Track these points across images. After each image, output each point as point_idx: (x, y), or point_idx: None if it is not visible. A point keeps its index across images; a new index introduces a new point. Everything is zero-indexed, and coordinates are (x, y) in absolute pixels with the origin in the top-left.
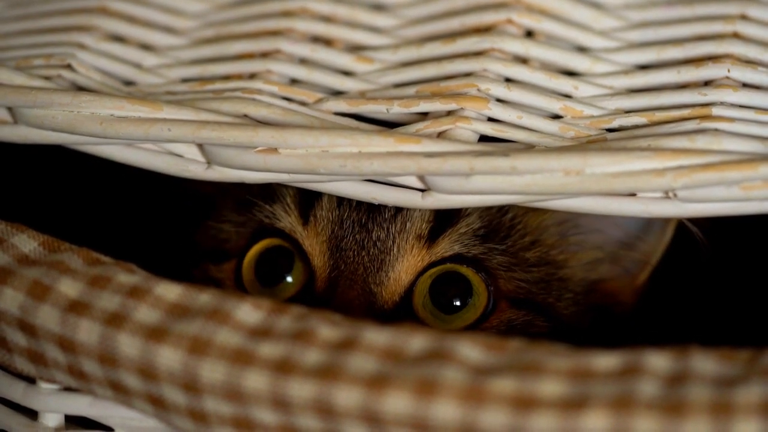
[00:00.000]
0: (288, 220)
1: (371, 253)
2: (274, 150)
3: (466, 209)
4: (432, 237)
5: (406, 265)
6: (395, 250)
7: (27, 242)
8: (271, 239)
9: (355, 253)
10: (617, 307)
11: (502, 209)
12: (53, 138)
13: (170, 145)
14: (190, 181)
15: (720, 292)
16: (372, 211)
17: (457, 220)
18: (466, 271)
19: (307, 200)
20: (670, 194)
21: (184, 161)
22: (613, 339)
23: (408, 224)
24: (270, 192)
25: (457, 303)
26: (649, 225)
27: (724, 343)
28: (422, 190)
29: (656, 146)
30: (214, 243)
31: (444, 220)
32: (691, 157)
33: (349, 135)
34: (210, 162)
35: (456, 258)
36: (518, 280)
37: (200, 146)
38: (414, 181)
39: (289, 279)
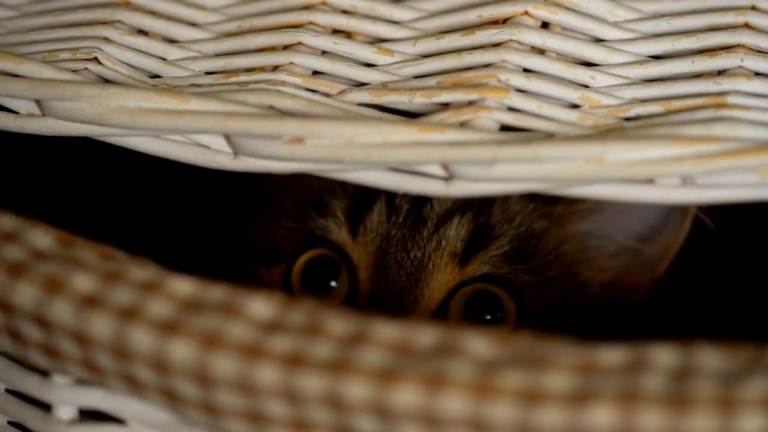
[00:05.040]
0: (338, 233)
1: (408, 272)
2: (300, 140)
3: (498, 233)
4: (465, 256)
5: (439, 282)
6: (430, 266)
7: (41, 237)
8: (320, 249)
9: (395, 272)
10: (634, 298)
11: (530, 231)
12: (81, 130)
13: (197, 137)
14: (242, 176)
15: (732, 283)
16: (413, 230)
17: (488, 242)
18: (497, 290)
19: (356, 214)
20: (689, 181)
21: (211, 152)
22: (626, 331)
23: (443, 242)
24: (321, 204)
25: (489, 318)
26: (667, 217)
27: (736, 334)
28: (446, 179)
29: (674, 134)
30: (267, 243)
31: (477, 241)
32: (709, 145)
33: (374, 125)
34: (237, 152)
35: (486, 278)
36: (542, 297)
37: (227, 137)
38: (438, 170)
39: (333, 284)
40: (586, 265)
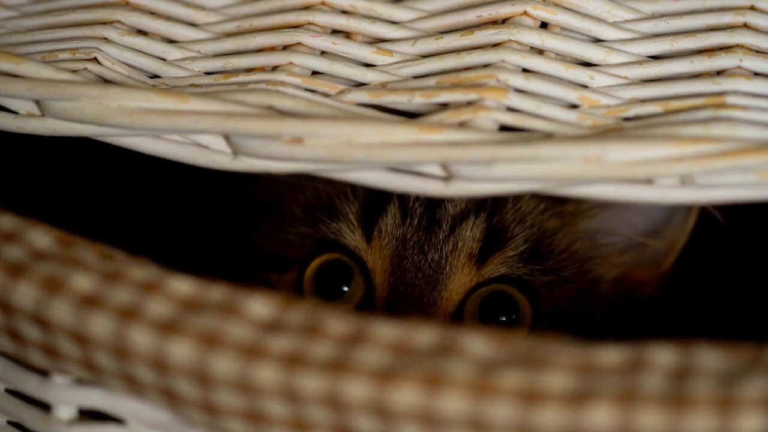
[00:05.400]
0: (352, 237)
1: (426, 275)
2: (299, 140)
3: (513, 234)
4: (481, 257)
5: (457, 284)
6: (448, 268)
7: (41, 237)
8: (333, 254)
9: (413, 275)
10: (641, 294)
11: (543, 231)
12: (80, 130)
13: (197, 137)
14: (244, 187)
15: (738, 278)
16: (428, 232)
17: (503, 243)
18: (512, 291)
19: (369, 217)
20: (687, 181)
21: (210, 152)
22: (634, 326)
23: (460, 243)
24: (333, 208)
25: (504, 320)
26: (672, 213)
27: (742, 330)
28: (445, 179)
29: (673, 134)
30: (276, 249)
31: (492, 242)
32: (707, 144)
33: (374, 125)
34: (236, 153)
35: (502, 279)
36: (556, 297)
37: (227, 137)
38: (437, 170)
39: (346, 289)
40: (597, 263)
